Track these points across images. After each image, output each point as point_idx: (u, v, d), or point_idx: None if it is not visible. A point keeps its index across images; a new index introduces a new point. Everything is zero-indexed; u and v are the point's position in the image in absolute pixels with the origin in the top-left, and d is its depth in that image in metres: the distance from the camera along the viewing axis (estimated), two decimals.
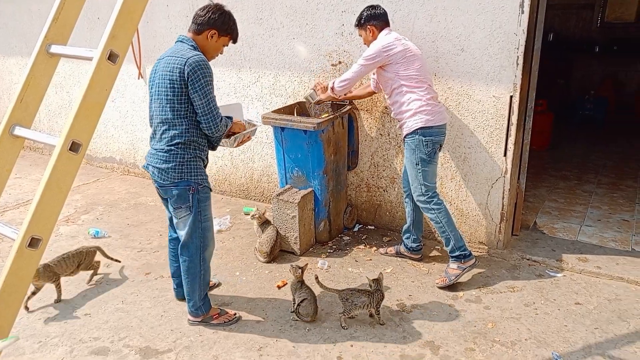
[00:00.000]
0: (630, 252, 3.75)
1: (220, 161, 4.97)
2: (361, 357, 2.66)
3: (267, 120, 3.73)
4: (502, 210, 3.67)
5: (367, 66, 3.26)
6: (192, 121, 2.61)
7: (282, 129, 3.73)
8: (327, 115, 3.88)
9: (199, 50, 2.63)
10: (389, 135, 3.98)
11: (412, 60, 3.20)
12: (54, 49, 1.86)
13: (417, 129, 3.21)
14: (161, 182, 2.68)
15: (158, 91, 2.61)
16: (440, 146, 3.34)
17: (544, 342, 2.76)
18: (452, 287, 3.31)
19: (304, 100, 3.89)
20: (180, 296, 3.19)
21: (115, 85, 5.45)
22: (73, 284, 3.42)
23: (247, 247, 3.94)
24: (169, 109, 2.58)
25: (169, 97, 2.56)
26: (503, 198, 3.64)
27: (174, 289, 3.21)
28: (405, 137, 3.31)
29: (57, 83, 5.99)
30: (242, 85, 4.61)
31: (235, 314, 3.01)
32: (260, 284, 3.41)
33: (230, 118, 2.77)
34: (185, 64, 2.50)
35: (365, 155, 4.15)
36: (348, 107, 3.93)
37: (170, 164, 2.63)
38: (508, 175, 3.59)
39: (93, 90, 1.68)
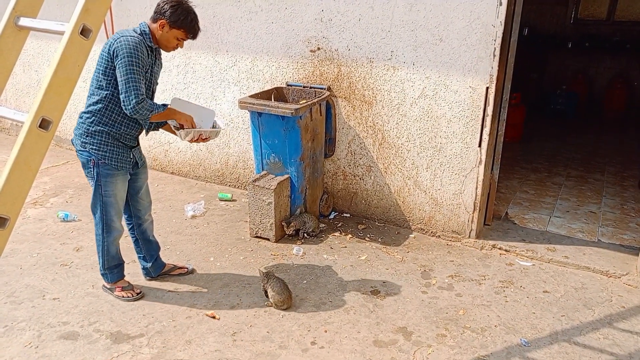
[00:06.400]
0: (597, 242, 3.86)
1: (195, 146, 4.89)
2: (335, 343, 2.68)
3: (244, 105, 3.68)
4: (475, 200, 3.72)
5: None
6: (111, 96, 2.66)
7: (259, 114, 3.68)
8: (305, 101, 3.85)
9: (140, 33, 2.66)
10: (366, 123, 3.98)
11: None
12: (23, 21, 1.77)
13: None
14: (75, 147, 2.80)
15: (97, 64, 2.70)
16: None
17: (512, 329, 2.83)
18: (425, 274, 3.36)
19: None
20: (148, 275, 3.23)
21: (88, 67, 5.29)
22: (41, 267, 3.33)
23: (221, 232, 3.91)
24: (94, 80, 2.69)
25: (98, 70, 2.65)
26: (477, 188, 3.70)
27: (141, 269, 3.25)
28: None
29: (25, 61, 5.78)
30: (219, 69, 4.53)
31: (139, 292, 3.04)
32: (234, 269, 3.39)
33: (164, 106, 2.76)
34: (115, 41, 2.59)
35: (342, 143, 4.15)
36: (326, 94, 3.91)
37: (78, 132, 2.75)
38: (482, 166, 3.64)
39: (64, 66, 1.61)
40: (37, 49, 5.64)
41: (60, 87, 1.62)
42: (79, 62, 1.66)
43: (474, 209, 3.75)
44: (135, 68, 2.56)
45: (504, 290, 3.20)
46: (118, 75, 2.57)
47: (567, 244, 3.81)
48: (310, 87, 4.04)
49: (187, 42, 2.81)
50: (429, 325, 2.85)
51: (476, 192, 3.71)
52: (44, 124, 1.60)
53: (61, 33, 1.64)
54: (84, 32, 1.63)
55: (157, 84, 2.91)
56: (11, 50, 1.82)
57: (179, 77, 4.73)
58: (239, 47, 4.38)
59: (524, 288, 3.24)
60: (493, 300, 3.10)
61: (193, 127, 2.83)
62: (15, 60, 1.86)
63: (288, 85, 4.17)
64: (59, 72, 1.61)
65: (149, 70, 2.71)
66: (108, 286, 3.05)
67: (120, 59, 2.55)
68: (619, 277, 3.37)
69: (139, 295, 3.03)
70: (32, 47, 5.64)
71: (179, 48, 2.80)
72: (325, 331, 2.77)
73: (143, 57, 2.60)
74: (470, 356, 2.61)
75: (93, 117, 2.70)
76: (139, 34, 2.65)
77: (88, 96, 2.73)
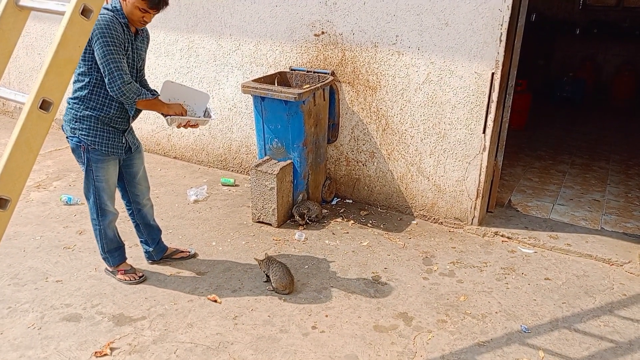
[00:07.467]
0: (600, 230, 3.85)
1: (198, 130, 4.88)
2: (336, 327, 2.69)
3: (247, 90, 3.66)
4: (479, 187, 3.71)
5: None
6: (95, 81, 2.60)
7: (262, 98, 3.66)
8: (308, 86, 3.82)
9: (112, 9, 2.54)
10: (370, 109, 3.95)
11: None
12: (24, 1, 1.75)
13: None
14: (65, 133, 2.75)
15: None
16: None
17: (513, 315, 2.84)
18: (426, 261, 3.36)
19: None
20: (151, 259, 3.25)
21: None
22: (44, 250, 3.35)
23: (223, 217, 3.91)
24: (78, 65, 2.60)
25: (81, 55, 2.54)
26: (480, 175, 3.68)
27: (144, 253, 3.26)
28: None
29: (27, 44, 5.75)
30: (222, 53, 4.50)
31: (141, 276, 3.06)
32: (236, 254, 3.40)
33: (154, 94, 2.70)
34: None
35: (345, 128, 4.13)
36: (330, 79, 3.88)
37: (67, 117, 2.70)
38: (486, 153, 3.62)
39: (65, 47, 1.60)
40: (40, 31, 5.62)
41: (61, 68, 1.61)
42: (80, 42, 1.64)
43: (477, 196, 3.73)
44: (112, 48, 2.48)
45: (505, 277, 3.20)
46: (97, 58, 2.50)
47: (569, 232, 3.80)
48: (314, 72, 4.01)
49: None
50: (429, 310, 2.86)
51: (479, 179, 3.69)
52: (45, 105, 1.59)
53: (62, 13, 1.62)
54: (85, 12, 1.61)
55: (142, 61, 2.79)
56: (12, 30, 1.80)
57: (182, 61, 4.70)
58: (242, 30, 4.34)
59: (525, 275, 3.24)
60: (494, 286, 3.10)
61: (182, 116, 2.76)
62: (16, 41, 1.84)
63: (292, 70, 4.14)
64: (60, 52, 1.59)
65: (129, 48, 2.61)
66: (110, 269, 3.07)
67: (96, 41, 2.46)
68: (621, 265, 3.36)
69: (141, 278, 3.05)
70: (35, 30, 5.61)
71: (147, 22, 2.61)
72: (326, 316, 2.79)
73: (117, 34, 2.50)
74: (470, 342, 2.62)
75: (80, 103, 2.64)
76: (111, 10, 2.53)
77: (73, 82, 2.64)
